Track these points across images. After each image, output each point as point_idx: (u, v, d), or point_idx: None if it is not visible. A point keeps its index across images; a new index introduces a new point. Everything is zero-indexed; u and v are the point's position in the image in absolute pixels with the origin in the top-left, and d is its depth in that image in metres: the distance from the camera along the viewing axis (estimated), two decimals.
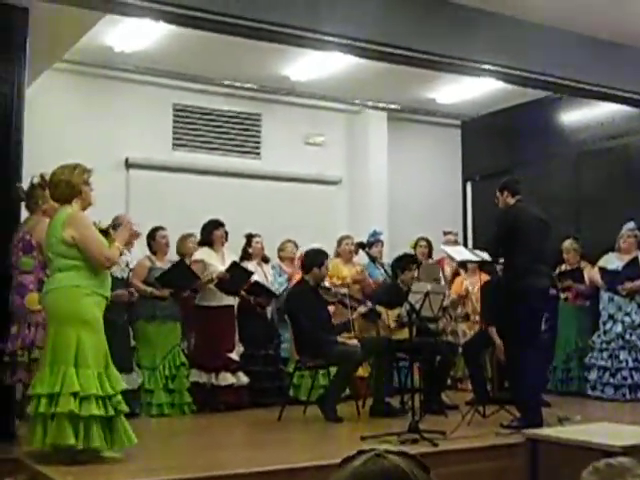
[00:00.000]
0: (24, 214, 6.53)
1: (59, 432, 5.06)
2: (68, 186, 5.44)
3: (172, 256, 8.64)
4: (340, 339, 7.67)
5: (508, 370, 7.40)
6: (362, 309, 8.17)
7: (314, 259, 7.98)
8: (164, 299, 8.12)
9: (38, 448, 5.19)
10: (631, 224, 9.06)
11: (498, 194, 7.13)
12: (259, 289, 8.69)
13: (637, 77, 8.74)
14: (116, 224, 7.33)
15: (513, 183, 7.20)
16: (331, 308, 8.45)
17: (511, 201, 7.04)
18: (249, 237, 9.08)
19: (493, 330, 8.08)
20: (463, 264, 9.49)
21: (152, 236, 8.38)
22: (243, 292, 8.57)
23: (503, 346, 7.38)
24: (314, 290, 7.94)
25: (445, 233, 10.43)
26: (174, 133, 10.48)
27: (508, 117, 11.63)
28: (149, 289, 8.10)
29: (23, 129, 6.63)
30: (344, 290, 8.72)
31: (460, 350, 8.56)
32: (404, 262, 8.39)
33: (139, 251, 8.55)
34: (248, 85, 10.66)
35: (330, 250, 9.11)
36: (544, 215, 7.09)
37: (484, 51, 7.89)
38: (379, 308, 8.11)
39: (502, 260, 7.22)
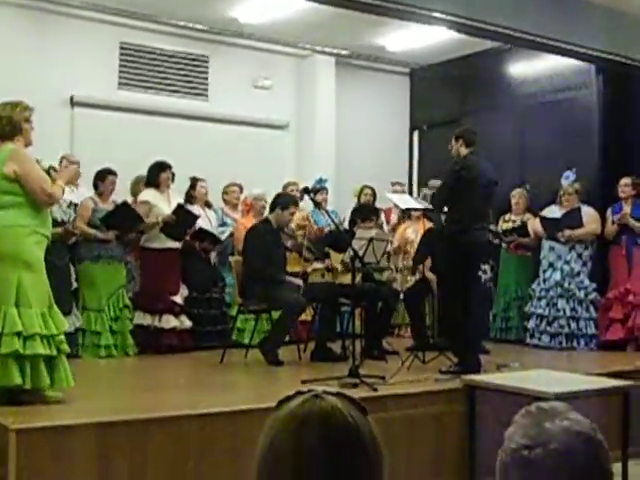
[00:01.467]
0: None
1: (4, 372, 5.01)
2: (9, 123, 5.34)
3: (119, 197, 8.54)
4: (289, 278, 7.71)
5: (446, 317, 7.48)
6: (318, 265, 8.17)
7: (279, 200, 7.95)
8: (109, 242, 8.05)
9: None
10: (570, 175, 9.14)
11: (453, 141, 7.04)
12: (204, 235, 8.66)
13: (588, 31, 8.80)
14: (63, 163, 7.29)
15: (469, 133, 7.09)
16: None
17: (464, 151, 6.96)
18: (194, 181, 9.00)
19: (427, 271, 8.20)
20: (407, 212, 9.55)
21: (101, 177, 8.27)
22: (188, 237, 8.54)
23: (441, 290, 7.45)
24: (275, 232, 7.88)
25: (393, 184, 10.47)
26: (120, 72, 10.30)
27: (457, 67, 11.62)
28: (92, 231, 8.03)
29: None
30: (306, 242, 8.71)
31: (401, 297, 8.63)
32: (365, 212, 8.40)
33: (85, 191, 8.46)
34: (197, 26, 10.50)
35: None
36: (493, 172, 7.05)
37: None
38: (326, 250, 8.16)
39: (446, 211, 7.26)
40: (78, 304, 7.97)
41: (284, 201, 7.92)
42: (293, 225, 9.08)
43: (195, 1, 9.56)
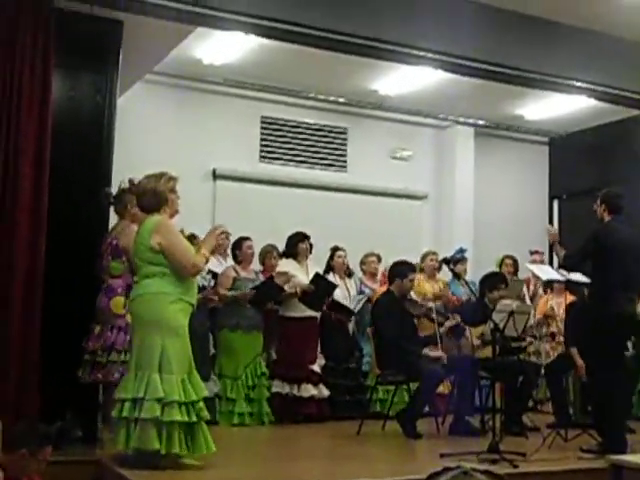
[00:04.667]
0: (112, 219, 6.67)
1: (143, 436, 5.12)
2: (155, 195, 5.50)
3: (255, 265, 8.68)
4: (425, 351, 7.67)
5: (592, 394, 7.23)
6: (449, 323, 8.09)
7: (397, 270, 7.96)
8: (245, 300, 8.10)
9: (121, 451, 5.26)
10: None
11: (597, 204, 6.75)
12: (338, 308, 8.69)
13: None
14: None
15: (613, 198, 6.74)
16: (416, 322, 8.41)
17: (606, 217, 6.68)
18: (333, 250, 9.10)
19: (574, 351, 7.92)
20: (549, 284, 9.33)
21: (238, 246, 8.43)
22: (325, 307, 8.58)
23: (585, 369, 7.20)
24: (399, 301, 7.89)
25: (532, 253, 10.25)
26: (261, 145, 10.58)
27: (598, 135, 11.44)
28: (230, 293, 8.11)
29: (114, 138, 6.78)
30: (431, 304, 8.66)
31: (542, 371, 8.41)
32: (493, 281, 8.18)
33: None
34: (336, 99, 10.71)
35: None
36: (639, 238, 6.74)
37: (575, 68, 7.83)
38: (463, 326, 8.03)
39: (589, 281, 7.03)
40: (215, 370, 8.09)
41: (402, 270, 7.90)
42: (430, 296, 9.03)
43: (334, 74, 9.74)
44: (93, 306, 6.28)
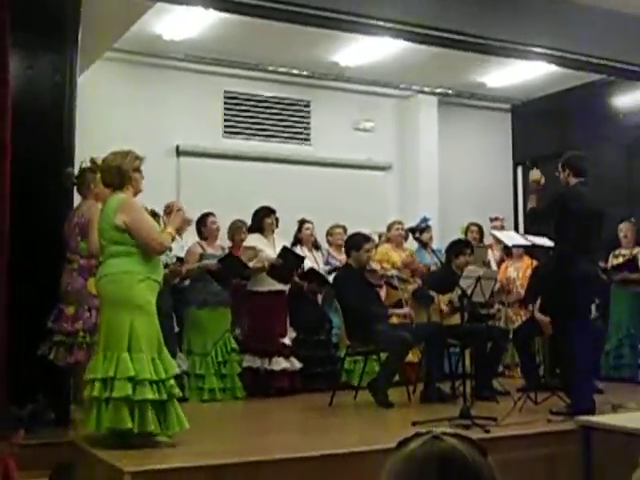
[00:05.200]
0: (77, 199, 6.61)
1: (116, 416, 5.11)
2: (119, 172, 5.46)
3: (223, 242, 8.68)
4: (392, 315, 7.81)
5: (558, 356, 7.30)
6: (412, 286, 8.13)
7: (352, 243, 8.02)
8: (215, 275, 8.10)
9: (93, 432, 5.26)
10: None
11: (560, 170, 6.77)
12: (313, 276, 8.70)
13: None
14: (167, 211, 7.44)
15: (577, 161, 6.77)
16: (382, 293, 8.46)
17: (572, 181, 6.69)
18: (300, 223, 9.14)
19: (538, 313, 7.97)
20: (508, 250, 9.40)
21: (203, 222, 8.42)
22: (297, 278, 8.59)
23: (552, 328, 7.24)
24: (359, 273, 7.93)
25: (492, 219, 10.32)
26: (225, 120, 10.53)
27: (560, 100, 11.50)
28: (195, 265, 8.13)
29: (75, 117, 6.69)
30: (391, 272, 8.71)
31: (511, 336, 8.48)
32: (458, 247, 8.26)
33: (189, 239, 8.61)
34: (298, 71, 10.67)
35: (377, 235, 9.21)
36: (600, 206, 6.77)
37: (535, 34, 7.83)
38: (431, 293, 8.08)
39: (552, 246, 7.09)
40: (182, 347, 8.10)
41: (356, 242, 7.97)
42: (399, 265, 9.08)
43: (296, 47, 9.70)
44: (58, 288, 6.23)
